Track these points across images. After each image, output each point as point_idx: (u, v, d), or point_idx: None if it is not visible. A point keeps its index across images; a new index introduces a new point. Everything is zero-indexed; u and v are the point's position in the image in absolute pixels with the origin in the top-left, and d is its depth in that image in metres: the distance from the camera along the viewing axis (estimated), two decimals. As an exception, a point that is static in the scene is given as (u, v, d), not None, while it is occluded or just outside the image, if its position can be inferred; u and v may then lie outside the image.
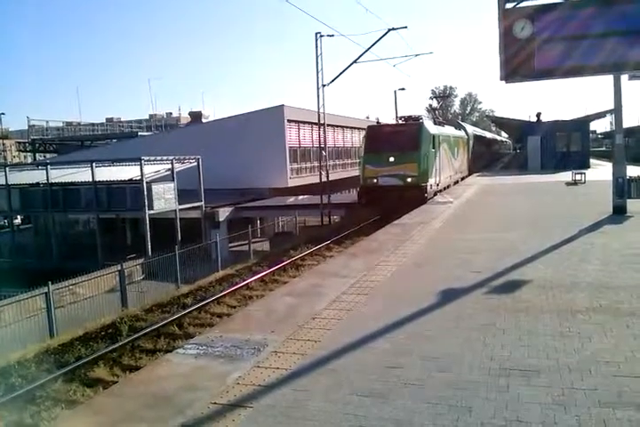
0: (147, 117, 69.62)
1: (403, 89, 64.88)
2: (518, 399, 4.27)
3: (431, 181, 22.84)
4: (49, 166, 26.27)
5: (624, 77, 14.76)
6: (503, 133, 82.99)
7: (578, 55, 12.11)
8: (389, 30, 26.08)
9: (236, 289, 15.14)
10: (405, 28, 26.37)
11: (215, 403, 4.48)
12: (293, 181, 33.40)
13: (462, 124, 41.47)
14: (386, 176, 22.13)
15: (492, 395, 4.37)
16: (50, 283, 13.48)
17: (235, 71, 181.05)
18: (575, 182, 24.54)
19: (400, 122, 25.42)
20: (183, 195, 25.46)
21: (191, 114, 51.17)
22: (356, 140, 43.18)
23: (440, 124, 29.83)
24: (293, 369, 5.09)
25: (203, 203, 26.43)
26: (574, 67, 12.46)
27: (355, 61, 27.38)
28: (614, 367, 4.78)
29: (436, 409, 4.19)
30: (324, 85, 27.18)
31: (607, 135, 63.23)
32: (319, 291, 8.00)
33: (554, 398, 4.27)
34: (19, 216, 35.55)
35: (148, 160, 24.36)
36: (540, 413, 4.06)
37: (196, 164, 26.87)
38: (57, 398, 8.87)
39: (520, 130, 42.29)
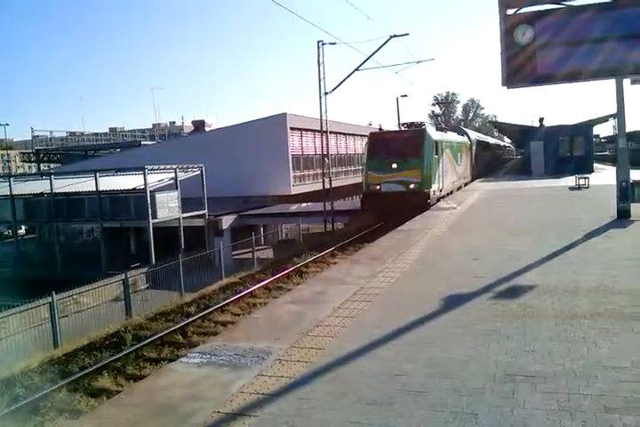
0: (150, 127, 70.06)
1: (405, 96, 64.47)
2: (524, 406, 4.24)
3: (434, 187, 22.81)
4: (53, 176, 26.39)
5: (626, 81, 14.75)
6: (506, 139, 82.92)
7: (577, 59, 12.12)
8: (391, 37, 26.14)
9: (239, 297, 15.10)
10: (407, 35, 26.47)
11: (219, 412, 4.45)
12: (296, 189, 33.45)
13: (465, 129, 41.45)
14: (389, 182, 22.13)
15: (497, 401, 4.34)
16: (54, 293, 13.48)
17: (237, 79, 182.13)
18: (579, 187, 24.48)
19: (402, 128, 25.44)
20: (187, 203, 25.51)
21: (194, 123, 51.31)
22: (359, 147, 43.24)
23: (442, 130, 29.84)
24: (297, 377, 5.07)
25: (206, 211, 26.47)
26: (574, 71, 12.47)
27: (357, 69, 27.44)
28: (620, 373, 4.73)
29: (441, 416, 4.16)
30: (326, 93, 27.24)
31: (610, 139, 63.11)
32: (323, 298, 7.97)
33: (560, 404, 4.23)
34: (23, 226, 35.66)
35: (151, 169, 24.42)
36: (545, 419, 4.02)
37: (199, 172, 26.95)
38: (61, 408, 8.84)
39: (523, 135, 42.25)
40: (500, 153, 64.86)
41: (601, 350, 5.30)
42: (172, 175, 25.58)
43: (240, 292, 15.77)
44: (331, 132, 30.80)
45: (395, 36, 26.20)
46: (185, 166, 26.85)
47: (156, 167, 25.31)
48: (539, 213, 16.92)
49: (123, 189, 24.75)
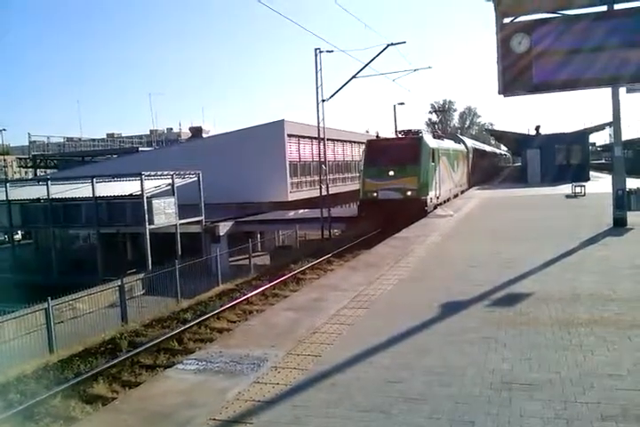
0: (147, 133, 69.88)
1: (402, 103, 64.45)
2: (520, 414, 4.23)
3: (431, 194, 22.87)
4: (50, 182, 26.33)
5: (622, 90, 14.84)
6: (502, 147, 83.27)
7: (574, 68, 12.22)
8: (388, 45, 26.26)
9: (236, 304, 15.07)
10: (404, 43, 26.58)
11: (214, 419, 4.44)
12: (293, 195, 33.44)
13: (461, 137, 41.65)
14: (386, 190, 22.16)
15: (494, 409, 4.33)
16: (49, 298, 13.42)
17: (235, 86, 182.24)
18: (575, 195, 24.55)
19: (399, 136, 25.52)
20: (184, 209, 25.45)
21: (192, 129, 51.39)
22: (356, 154, 43.30)
23: (439, 137, 29.96)
24: (293, 385, 5.05)
25: (203, 217, 26.41)
26: (570, 80, 12.56)
27: (354, 76, 27.54)
28: (617, 381, 4.73)
29: (437, 424, 4.15)
30: (323, 100, 27.30)
31: (606, 148, 63.43)
32: (320, 305, 7.96)
33: (556, 412, 4.23)
34: (19, 232, 35.55)
35: (148, 175, 24.40)
36: (542, 427, 4.02)
37: (196, 178, 26.90)
38: (56, 414, 8.79)
39: (519, 143, 42.45)
40: (497, 161, 65.15)
41: (598, 358, 5.30)
42: (169, 181, 25.54)
43: (236, 298, 15.74)
44: (328, 139, 30.86)
45: (392, 44, 26.32)
46: (182, 173, 26.83)
47: (152, 173, 25.28)
48: (535, 220, 16.96)
49: (119, 194, 24.72)
